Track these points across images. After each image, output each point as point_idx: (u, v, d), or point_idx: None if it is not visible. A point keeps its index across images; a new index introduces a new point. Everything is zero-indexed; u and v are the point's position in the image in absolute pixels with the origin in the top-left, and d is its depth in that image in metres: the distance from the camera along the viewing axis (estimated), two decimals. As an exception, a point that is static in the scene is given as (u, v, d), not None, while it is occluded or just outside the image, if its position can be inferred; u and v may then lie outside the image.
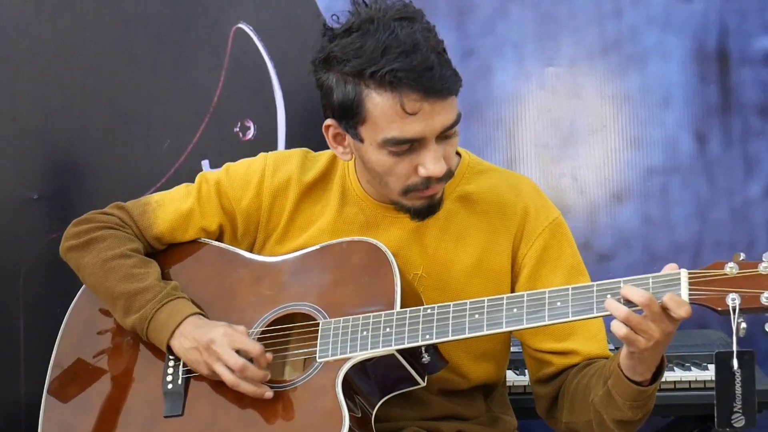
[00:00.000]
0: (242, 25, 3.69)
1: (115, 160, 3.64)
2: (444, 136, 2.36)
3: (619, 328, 2.16)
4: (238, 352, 2.38)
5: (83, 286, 2.65)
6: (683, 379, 3.20)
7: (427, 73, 2.30)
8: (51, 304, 3.55)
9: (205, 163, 3.65)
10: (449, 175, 2.41)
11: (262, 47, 3.69)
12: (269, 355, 2.39)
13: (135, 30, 3.66)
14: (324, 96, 2.41)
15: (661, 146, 3.74)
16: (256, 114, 3.70)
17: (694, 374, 3.21)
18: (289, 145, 3.66)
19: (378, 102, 2.32)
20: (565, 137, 3.75)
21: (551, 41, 3.73)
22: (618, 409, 2.29)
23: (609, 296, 2.19)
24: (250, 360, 2.38)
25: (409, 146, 2.34)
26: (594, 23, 3.73)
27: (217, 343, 2.39)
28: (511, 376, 3.21)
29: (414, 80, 2.29)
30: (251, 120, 3.70)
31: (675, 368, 3.24)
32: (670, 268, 2.19)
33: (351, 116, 2.36)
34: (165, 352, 2.49)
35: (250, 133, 3.69)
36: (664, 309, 2.14)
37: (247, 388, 2.37)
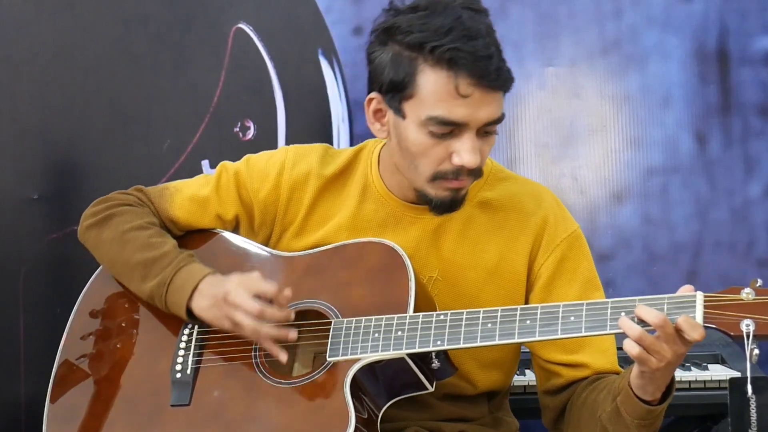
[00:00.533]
0: (242, 25, 3.69)
1: (115, 160, 3.64)
2: (484, 131, 2.38)
3: (631, 347, 2.16)
4: (257, 296, 2.37)
5: (95, 273, 2.65)
6: (683, 379, 3.20)
7: (487, 61, 2.32)
8: (51, 304, 3.55)
9: (205, 163, 3.65)
10: (479, 173, 2.41)
11: (262, 47, 3.69)
12: (288, 292, 2.38)
13: (135, 30, 3.66)
14: (374, 70, 2.41)
15: (661, 146, 3.74)
16: (256, 114, 3.70)
17: (694, 374, 3.21)
18: (289, 144, 3.65)
19: (432, 78, 2.33)
20: (565, 137, 3.75)
21: (551, 41, 3.73)
22: (626, 427, 2.29)
23: (623, 314, 2.19)
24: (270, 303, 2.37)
25: (451, 130, 2.35)
26: (594, 23, 3.73)
27: (232, 293, 2.38)
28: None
29: (472, 63, 2.31)
30: (251, 120, 3.70)
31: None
32: (685, 290, 2.18)
33: (399, 90, 2.36)
34: (176, 339, 2.49)
35: (250, 133, 3.69)
36: (678, 331, 2.14)
37: (269, 331, 2.36)
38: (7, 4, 3.61)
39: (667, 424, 3.50)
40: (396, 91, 2.37)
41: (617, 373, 2.45)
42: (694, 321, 2.14)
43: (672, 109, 3.74)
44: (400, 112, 2.38)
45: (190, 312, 2.46)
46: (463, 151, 2.35)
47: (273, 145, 3.67)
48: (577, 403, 2.43)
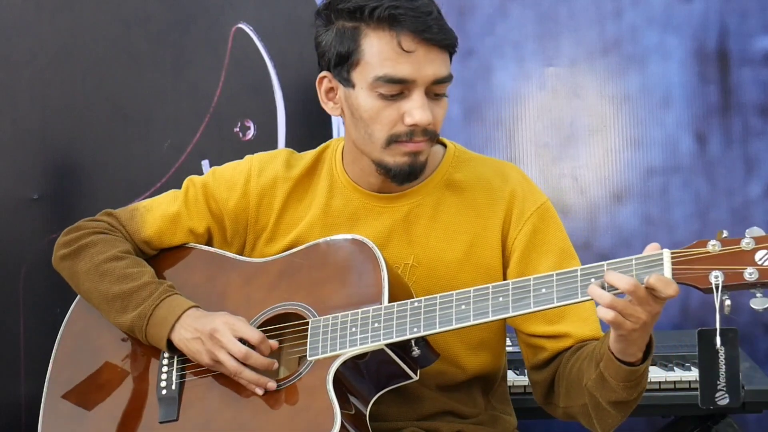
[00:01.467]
0: (242, 25, 3.69)
1: (115, 160, 3.64)
2: (434, 93, 2.40)
3: (605, 314, 2.16)
4: (241, 340, 2.38)
5: (76, 298, 2.65)
6: (683, 379, 3.19)
7: (428, 17, 2.36)
8: (51, 304, 3.55)
9: (205, 163, 3.65)
10: (434, 135, 2.42)
11: (262, 47, 3.69)
12: (273, 342, 2.40)
13: (135, 30, 3.67)
14: (321, 51, 2.47)
15: (661, 146, 3.74)
16: (256, 114, 3.70)
17: (694, 374, 3.20)
18: (288, 145, 3.66)
19: (374, 40, 2.37)
20: (565, 137, 3.75)
21: (551, 41, 3.73)
22: (612, 390, 2.29)
23: (593, 280, 2.19)
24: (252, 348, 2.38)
25: (399, 90, 2.37)
26: (594, 23, 3.73)
27: (219, 331, 2.39)
28: (511, 376, 3.21)
29: (413, 19, 2.35)
30: (251, 120, 3.70)
31: (675, 368, 3.24)
32: (651, 248, 2.18)
33: (345, 60, 2.41)
34: (159, 357, 2.50)
35: (250, 133, 3.69)
36: (651, 290, 2.14)
37: (250, 376, 2.38)
38: (7, 4, 3.61)
39: (667, 424, 3.50)
40: (343, 62, 2.42)
41: (597, 339, 2.44)
42: (666, 278, 2.13)
43: (672, 109, 3.74)
44: (349, 83, 2.42)
45: (170, 344, 2.47)
46: (414, 109, 2.37)
47: (273, 145, 3.67)
48: (564, 373, 2.43)
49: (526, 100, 3.76)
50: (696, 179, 3.73)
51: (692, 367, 3.25)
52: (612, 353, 2.26)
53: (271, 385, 2.38)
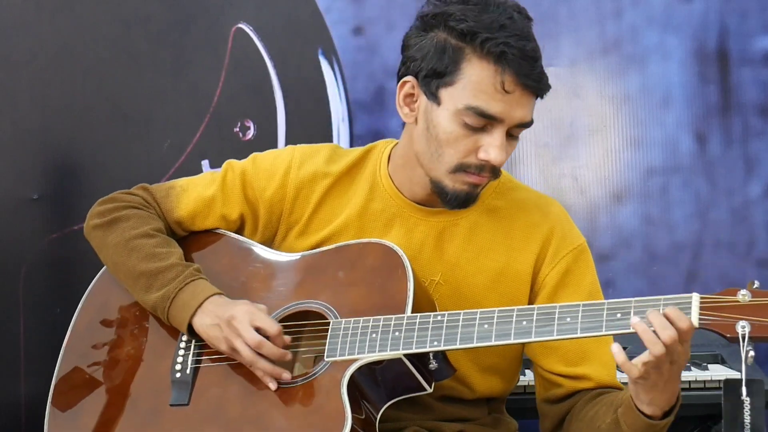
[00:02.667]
0: (242, 25, 3.69)
1: (115, 160, 3.64)
2: (511, 133, 2.40)
3: (655, 345, 2.13)
4: (258, 330, 2.38)
5: (101, 271, 2.65)
6: (683, 379, 3.19)
7: (533, 63, 2.36)
8: (51, 304, 3.55)
9: (205, 163, 3.65)
10: (498, 173, 2.43)
11: (262, 47, 3.69)
12: (287, 338, 2.39)
13: (135, 30, 3.67)
14: (411, 55, 2.42)
15: (661, 146, 3.74)
16: (256, 114, 3.70)
17: (694, 374, 3.20)
18: (288, 144, 3.65)
19: (477, 69, 2.35)
20: (565, 137, 3.75)
21: (551, 41, 3.73)
22: None
23: (619, 315, 2.18)
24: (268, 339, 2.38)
25: (484, 125, 2.36)
26: (594, 23, 3.73)
27: (237, 319, 2.38)
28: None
29: (520, 61, 2.34)
30: (251, 120, 3.70)
31: (675, 368, 3.24)
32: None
33: (440, 76, 2.38)
34: (177, 339, 2.50)
35: (250, 133, 3.70)
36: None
37: (264, 366, 2.37)
38: (7, 4, 3.61)
39: (667, 424, 3.50)
40: (436, 76, 2.39)
41: (618, 388, 2.44)
42: (679, 311, 2.12)
43: (672, 109, 3.74)
44: (435, 98, 2.39)
45: (190, 328, 2.46)
46: (492, 147, 2.37)
47: (273, 145, 3.67)
48: (579, 415, 2.42)
49: (526, 100, 3.76)
50: (696, 179, 3.73)
51: (692, 368, 3.25)
52: (633, 402, 2.25)
53: (286, 375, 2.37)
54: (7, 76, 3.62)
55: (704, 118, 3.73)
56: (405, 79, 2.44)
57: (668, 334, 2.12)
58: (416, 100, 2.44)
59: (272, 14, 3.69)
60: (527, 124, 2.40)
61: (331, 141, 3.71)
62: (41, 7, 3.63)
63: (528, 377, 3.20)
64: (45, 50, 3.63)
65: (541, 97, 2.41)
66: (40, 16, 3.63)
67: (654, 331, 2.13)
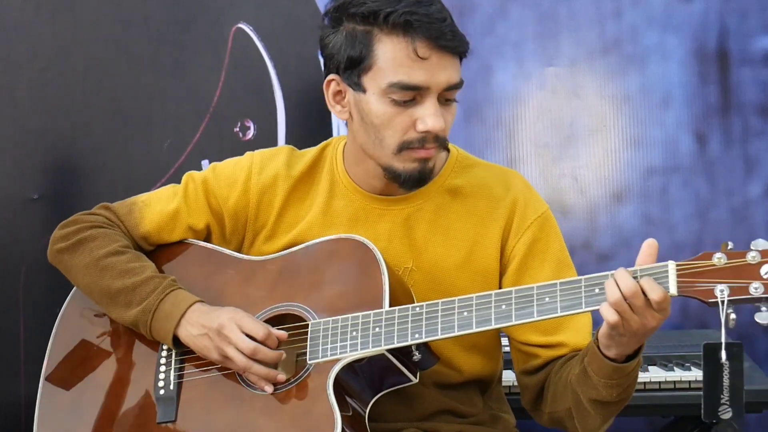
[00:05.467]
0: (242, 25, 3.69)
1: (115, 160, 3.64)
2: (445, 99, 2.39)
3: (609, 315, 2.14)
4: (247, 335, 2.38)
5: (70, 294, 2.64)
6: (683, 379, 3.19)
7: (442, 24, 2.35)
8: (51, 304, 3.54)
9: (205, 163, 3.65)
10: (444, 142, 2.42)
11: (262, 47, 3.69)
12: (281, 333, 2.39)
13: (135, 30, 3.67)
14: (329, 53, 2.43)
15: (661, 146, 3.74)
16: (256, 114, 3.70)
17: (694, 374, 3.20)
18: (288, 144, 3.65)
19: (389, 46, 2.36)
20: (565, 137, 3.75)
21: (551, 41, 3.73)
22: (593, 387, 2.28)
23: (597, 290, 2.18)
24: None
25: (412, 96, 2.36)
26: (594, 23, 3.73)
27: (227, 327, 2.38)
28: (511, 376, 3.20)
29: (428, 25, 2.34)
30: (251, 120, 3.70)
31: (675, 368, 3.24)
32: (648, 246, 2.17)
33: (357, 64, 2.38)
34: (156, 356, 2.49)
35: (250, 133, 3.70)
36: (644, 294, 2.13)
37: (259, 370, 2.37)
38: (7, 4, 3.61)
39: (667, 424, 3.50)
40: (354, 66, 2.39)
41: None
42: (654, 282, 2.12)
43: (672, 109, 3.74)
44: (359, 87, 2.40)
45: (175, 339, 2.46)
46: (427, 116, 2.36)
47: (273, 145, 3.67)
48: (553, 379, 2.43)
49: (526, 100, 3.76)
50: (696, 179, 3.73)
51: (692, 367, 3.25)
52: (598, 347, 2.25)
53: (281, 377, 2.37)
54: (7, 76, 3.62)
55: (704, 118, 3.73)
56: (329, 78, 2.45)
57: (626, 285, 2.13)
58: (344, 96, 2.44)
59: (272, 14, 3.70)
60: (457, 86, 2.39)
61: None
62: (41, 7, 3.63)
63: (517, 379, 3.19)
64: (45, 50, 3.63)
65: (464, 56, 2.41)
66: (40, 16, 3.63)
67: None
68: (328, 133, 3.71)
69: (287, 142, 3.68)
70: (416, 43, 2.34)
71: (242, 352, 2.37)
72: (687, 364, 3.27)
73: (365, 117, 2.41)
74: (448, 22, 2.36)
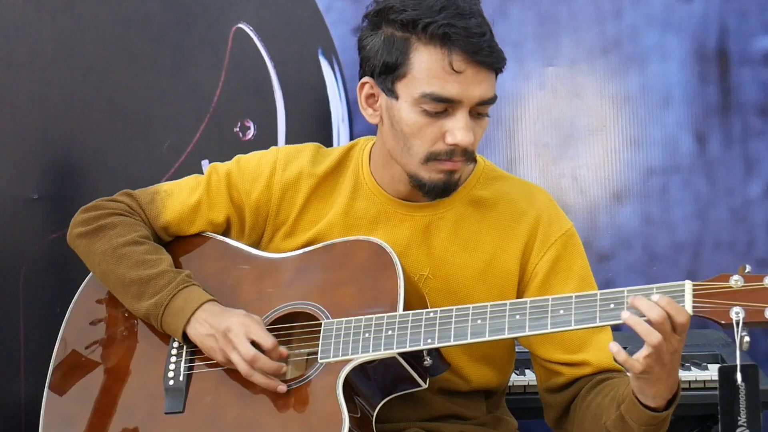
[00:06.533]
0: (242, 25, 3.69)
1: (115, 160, 3.64)
2: (477, 112, 2.39)
3: (651, 334, 2.12)
4: (253, 342, 2.38)
5: (87, 278, 2.64)
6: (683, 379, 3.19)
7: (480, 39, 2.34)
8: (51, 304, 3.55)
9: (204, 163, 3.65)
10: (472, 155, 2.41)
11: (262, 47, 3.69)
12: (283, 350, 2.39)
13: (135, 30, 3.67)
14: (366, 55, 2.43)
15: (661, 146, 3.74)
16: (256, 114, 3.70)
17: (694, 374, 3.20)
18: (288, 144, 3.65)
19: (425, 55, 2.35)
20: (565, 137, 3.75)
21: (551, 41, 3.73)
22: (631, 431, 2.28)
23: (612, 305, 2.18)
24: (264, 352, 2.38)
25: (444, 108, 2.35)
26: (594, 23, 3.73)
27: (233, 331, 2.38)
28: (512, 376, 3.21)
29: (465, 39, 2.33)
30: (251, 120, 3.70)
31: (675, 368, 3.24)
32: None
33: (392, 70, 2.38)
34: (168, 346, 2.49)
35: (250, 133, 3.69)
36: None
37: (259, 379, 2.37)
38: (7, 4, 3.61)
39: (667, 424, 3.50)
40: (389, 72, 2.39)
41: (618, 371, 2.43)
42: (677, 305, 2.12)
43: (672, 109, 3.74)
44: (392, 93, 2.39)
45: (185, 335, 2.46)
46: (457, 130, 2.36)
47: (273, 145, 3.66)
48: (582, 405, 2.41)
49: (526, 100, 3.76)
50: (696, 179, 3.73)
51: (692, 367, 3.25)
52: (635, 396, 2.24)
53: (282, 388, 2.36)
54: (7, 76, 3.62)
55: (704, 118, 3.73)
56: (363, 80, 2.45)
57: (657, 313, 2.11)
58: (377, 100, 2.44)
59: (272, 14, 3.69)
60: (490, 101, 2.38)
61: (330, 141, 3.71)
62: (41, 7, 3.63)
63: (528, 377, 3.20)
64: (45, 50, 3.63)
65: (500, 71, 2.40)
66: (40, 16, 3.63)
67: (647, 321, 2.12)
68: (328, 133, 3.71)
69: (287, 142, 3.68)
70: (453, 56, 2.33)
71: (243, 359, 2.37)
72: (687, 364, 3.27)
73: (395, 124, 2.40)
74: (487, 37, 2.35)
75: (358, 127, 3.72)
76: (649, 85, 3.73)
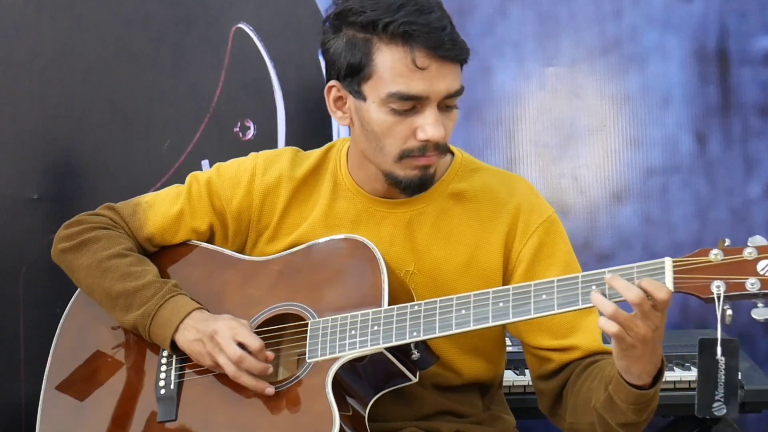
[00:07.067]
0: (242, 25, 3.69)
1: (115, 160, 3.64)
2: (445, 105, 2.39)
3: (609, 326, 2.13)
4: (240, 345, 2.38)
5: (75, 293, 2.64)
6: (683, 379, 3.19)
7: (441, 33, 2.34)
8: (51, 304, 3.55)
9: (205, 163, 3.65)
10: (444, 148, 2.42)
11: (262, 47, 3.69)
12: (270, 354, 2.39)
13: (135, 30, 3.67)
14: (330, 58, 2.43)
15: (661, 146, 3.74)
16: (256, 114, 3.70)
17: (694, 374, 3.20)
18: (288, 145, 3.66)
19: (388, 55, 2.35)
20: (565, 137, 3.75)
21: (551, 41, 3.73)
22: (621, 412, 2.28)
23: (594, 287, 2.17)
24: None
25: (412, 106, 2.36)
26: (594, 23, 3.73)
27: (220, 334, 2.39)
28: (511, 376, 3.21)
29: (426, 35, 2.33)
30: (251, 120, 3.70)
31: (675, 368, 3.24)
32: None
33: (357, 72, 2.37)
34: (158, 356, 2.50)
35: (250, 133, 3.70)
36: (647, 295, 2.12)
37: (247, 381, 2.37)
38: (7, 4, 3.61)
39: (667, 424, 3.49)
40: (354, 74, 2.38)
41: (607, 352, 2.42)
42: (656, 282, 2.11)
43: (672, 109, 3.74)
44: (360, 95, 2.39)
45: (173, 344, 2.46)
46: (427, 125, 2.36)
47: (273, 145, 3.67)
48: (573, 390, 2.42)
49: (526, 100, 3.76)
50: (696, 179, 3.73)
51: (692, 367, 3.25)
52: (621, 376, 2.24)
53: (269, 390, 2.37)
54: (7, 76, 3.62)
55: (704, 118, 3.73)
56: (330, 84, 2.45)
57: (634, 294, 2.11)
58: (345, 102, 2.44)
59: (272, 14, 3.70)
60: (456, 93, 2.38)
61: (331, 141, 3.71)
62: (41, 7, 3.63)
63: (528, 377, 3.20)
64: (45, 50, 3.63)
65: (464, 62, 2.40)
66: (40, 16, 3.63)
67: (623, 301, 2.12)
68: (328, 133, 3.71)
69: (287, 142, 3.68)
70: (415, 53, 2.33)
71: (230, 360, 2.37)
72: (687, 364, 3.27)
73: (366, 125, 2.41)
74: (448, 30, 2.35)
75: (358, 127, 3.72)
76: (649, 85, 3.74)
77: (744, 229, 3.73)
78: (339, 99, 2.45)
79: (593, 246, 3.71)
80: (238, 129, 3.69)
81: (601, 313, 2.15)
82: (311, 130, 3.71)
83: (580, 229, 3.72)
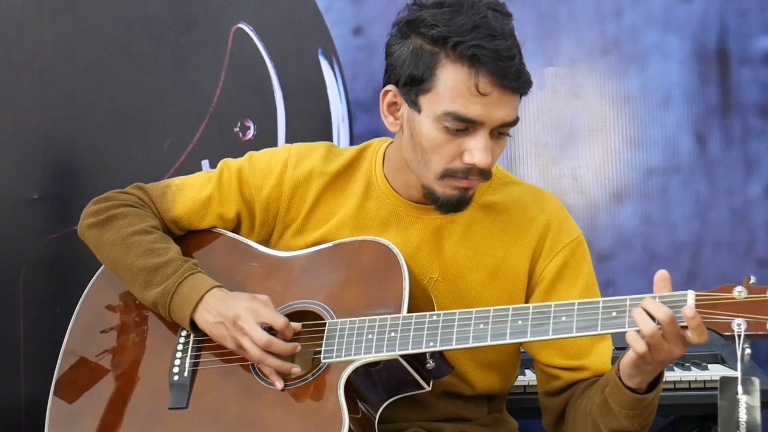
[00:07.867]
0: (242, 25, 3.69)
1: (115, 160, 3.64)
2: (498, 132, 2.38)
3: (637, 344, 2.14)
4: (263, 325, 2.38)
5: (98, 271, 2.65)
6: (683, 379, 3.19)
7: (508, 62, 2.33)
8: (51, 304, 3.55)
9: (205, 163, 3.65)
10: (488, 174, 2.41)
11: (262, 47, 3.69)
12: (296, 325, 2.39)
13: (135, 30, 3.67)
14: (392, 62, 2.41)
15: (661, 146, 3.74)
16: (256, 114, 3.70)
17: (694, 374, 3.21)
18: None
19: (451, 74, 2.33)
20: (565, 137, 3.75)
21: (551, 41, 3.73)
22: (614, 418, 2.28)
23: (614, 313, 2.17)
24: (275, 334, 2.37)
25: (465, 127, 2.35)
26: (594, 23, 3.73)
27: (242, 318, 2.38)
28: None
29: (494, 62, 2.32)
30: (251, 120, 3.70)
31: (675, 368, 3.24)
32: (661, 279, 2.17)
33: (417, 83, 2.36)
34: (175, 341, 2.49)
35: (250, 133, 3.70)
36: (683, 328, 2.13)
37: (273, 363, 2.36)
38: (7, 4, 3.61)
39: (667, 424, 3.50)
40: (414, 84, 2.37)
41: None
42: (704, 327, 2.12)
43: (672, 109, 3.74)
44: (415, 106, 2.38)
45: (193, 323, 2.46)
46: (476, 150, 2.35)
47: (273, 145, 3.67)
48: (575, 404, 2.43)
49: (526, 100, 3.73)
50: (696, 179, 3.73)
51: (692, 367, 3.25)
52: (619, 378, 2.25)
53: (296, 369, 2.37)
54: (8, 76, 3.62)
55: (704, 118, 3.73)
56: (386, 88, 2.44)
57: (663, 312, 2.12)
58: (399, 109, 2.43)
59: (272, 14, 3.70)
60: (511, 123, 2.38)
61: (330, 141, 3.71)
62: (41, 7, 3.63)
63: (528, 377, 3.20)
64: (45, 50, 3.63)
65: (524, 95, 2.40)
66: (40, 16, 3.63)
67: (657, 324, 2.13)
68: (328, 133, 3.71)
69: (287, 142, 3.68)
70: (479, 78, 2.32)
71: (257, 344, 2.36)
72: (687, 364, 3.27)
73: (415, 136, 2.40)
74: (516, 60, 2.35)
75: (358, 127, 3.72)
76: (649, 85, 3.73)
77: (744, 230, 3.73)
78: (393, 104, 2.44)
79: (593, 246, 3.71)
80: (238, 129, 3.69)
81: (637, 330, 2.15)
82: (311, 130, 3.71)
83: (580, 229, 3.71)
